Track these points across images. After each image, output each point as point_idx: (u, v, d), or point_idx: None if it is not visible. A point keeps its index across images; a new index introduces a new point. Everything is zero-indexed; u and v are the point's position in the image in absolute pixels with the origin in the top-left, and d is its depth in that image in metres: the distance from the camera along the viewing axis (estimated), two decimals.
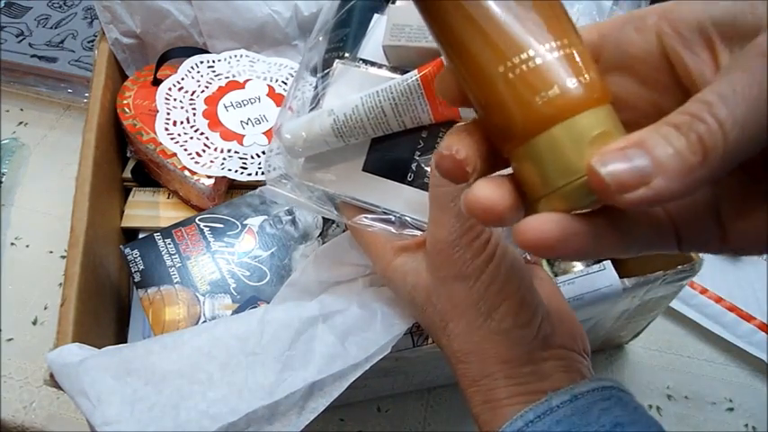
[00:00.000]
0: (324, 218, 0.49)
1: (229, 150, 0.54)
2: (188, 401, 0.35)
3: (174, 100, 0.56)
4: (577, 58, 0.23)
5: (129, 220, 0.55)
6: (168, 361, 0.36)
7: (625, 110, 0.24)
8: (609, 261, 0.45)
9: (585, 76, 0.22)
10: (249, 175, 0.52)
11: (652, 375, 0.58)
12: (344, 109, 0.35)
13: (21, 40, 0.71)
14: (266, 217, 0.50)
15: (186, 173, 0.52)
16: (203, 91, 0.57)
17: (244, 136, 0.55)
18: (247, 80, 0.59)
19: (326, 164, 0.38)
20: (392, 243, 0.37)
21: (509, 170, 0.24)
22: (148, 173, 0.58)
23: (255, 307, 0.45)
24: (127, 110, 0.56)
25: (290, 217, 0.50)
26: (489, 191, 0.23)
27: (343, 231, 0.45)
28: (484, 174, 0.25)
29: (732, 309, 0.59)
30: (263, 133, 0.55)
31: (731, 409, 0.56)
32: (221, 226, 0.49)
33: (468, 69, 0.24)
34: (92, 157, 0.49)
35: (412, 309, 0.37)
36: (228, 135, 0.54)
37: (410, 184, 0.37)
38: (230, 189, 0.55)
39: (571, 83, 0.22)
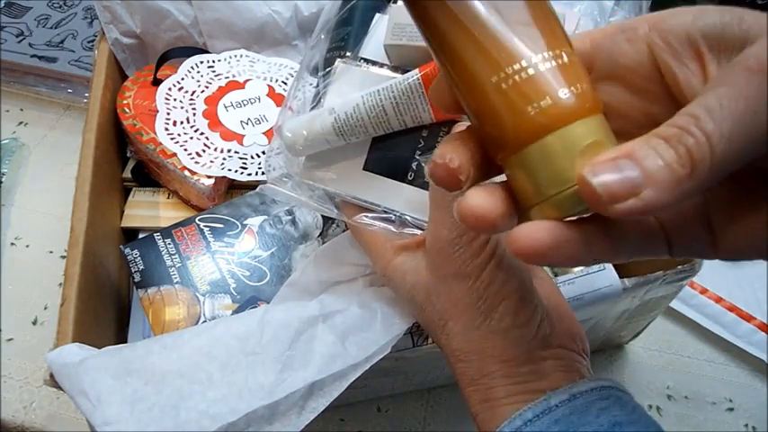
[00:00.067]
0: (324, 218, 0.49)
1: (229, 150, 0.54)
2: (188, 401, 0.35)
3: (174, 100, 0.56)
4: (569, 69, 0.23)
5: (129, 220, 0.55)
6: (168, 361, 0.36)
7: (617, 119, 0.25)
8: None
9: (577, 86, 0.23)
10: (249, 175, 0.52)
11: (652, 375, 0.58)
12: (345, 108, 0.35)
13: (21, 40, 0.71)
14: (266, 217, 0.50)
15: (186, 173, 0.52)
16: (203, 91, 0.57)
17: (244, 136, 0.55)
18: (247, 80, 0.59)
19: (327, 162, 0.38)
20: (392, 242, 0.37)
21: (503, 177, 0.25)
22: (148, 173, 0.58)
23: (255, 307, 0.45)
24: (127, 110, 0.56)
25: (290, 217, 0.50)
26: (481, 199, 0.23)
27: (343, 231, 0.45)
28: (478, 180, 0.25)
29: (732, 309, 0.59)
30: (263, 133, 0.55)
31: (731, 409, 0.56)
32: (221, 226, 0.49)
33: (461, 79, 0.24)
34: (92, 157, 0.49)
35: (411, 308, 0.37)
36: (228, 135, 0.54)
37: (411, 183, 0.37)
38: (230, 189, 0.55)
39: (563, 93, 0.22)
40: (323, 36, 0.44)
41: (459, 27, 0.23)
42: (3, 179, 0.65)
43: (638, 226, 0.24)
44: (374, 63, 0.39)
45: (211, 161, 0.53)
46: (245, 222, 0.50)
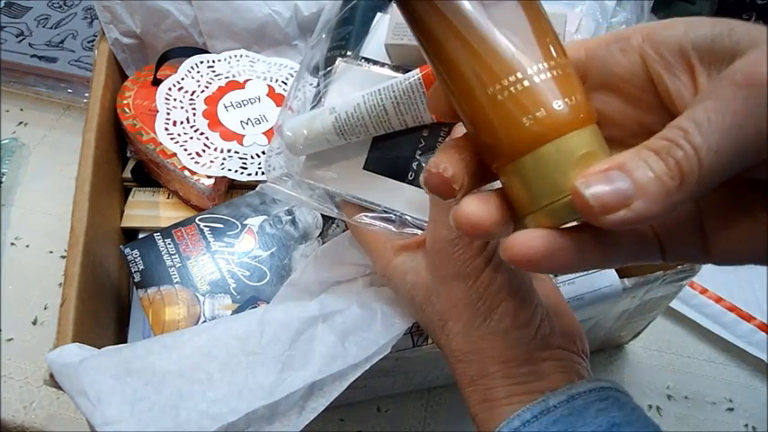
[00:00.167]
0: (324, 217, 0.49)
1: (229, 150, 0.54)
2: (188, 401, 0.35)
3: (174, 100, 0.56)
4: (564, 80, 0.23)
5: (129, 220, 0.55)
6: (168, 361, 0.36)
7: (611, 127, 0.25)
8: None
9: (572, 97, 0.23)
10: (249, 175, 0.52)
11: (652, 375, 0.58)
12: (346, 107, 0.35)
13: (21, 40, 0.71)
14: (266, 217, 0.50)
15: (186, 173, 0.52)
16: (203, 91, 0.57)
17: (244, 136, 0.55)
18: (247, 80, 0.59)
19: (327, 162, 0.38)
20: (392, 242, 0.37)
21: (499, 183, 0.25)
22: (148, 173, 0.58)
23: (255, 307, 0.45)
24: (127, 110, 0.56)
25: (289, 217, 0.50)
26: (476, 207, 0.24)
27: (343, 231, 0.45)
28: (473, 187, 0.26)
29: (732, 309, 0.59)
30: (263, 133, 0.55)
31: (731, 409, 0.56)
32: (221, 226, 0.49)
33: (457, 88, 0.24)
34: (92, 157, 0.49)
35: (411, 308, 0.37)
36: (228, 135, 0.54)
37: (411, 183, 0.37)
38: (230, 189, 0.55)
39: (558, 105, 0.23)
40: (324, 35, 0.44)
41: (455, 37, 0.24)
42: (3, 179, 0.65)
43: (632, 233, 0.25)
44: (375, 62, 0.39)
45: (211, 161, 0.53)
46: (245, 222, 0.50)
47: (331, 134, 0.36)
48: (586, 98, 0.24)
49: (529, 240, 0.22)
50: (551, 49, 0.24)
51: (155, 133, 0.54)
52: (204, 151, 0.53)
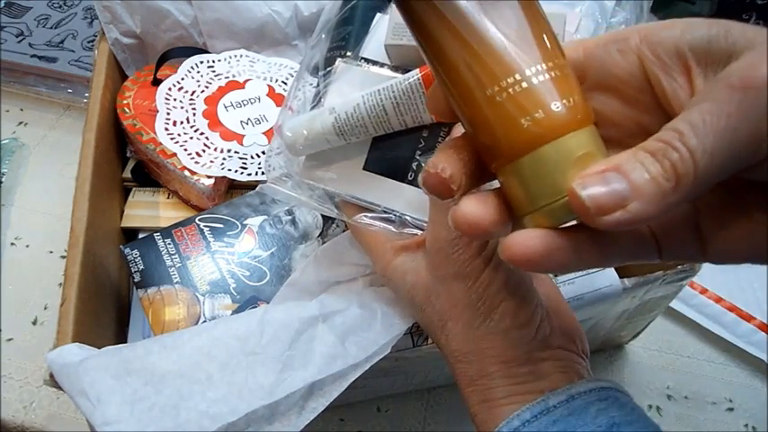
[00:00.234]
0: (324, 217, 0.49)
1: (229, 150, 0.54)
2: (188, 401, 0.35)
3: (174, 100, 0.56)
4: (562, 81, 0.24)
5: (129, 220, 0.55)
6: (168, 361, 0.36)
7: (609, 127, 0.26)
8: None
9: (570, 99, 0.23)
10: (249, 175, 0.52)
11: (652, 375, 0.58)
12: (346, 107, 0.35)
13: (21, 40, 0.71)
14: (266, 217, 0.50)
15: (186, 173, 0.52)
16: (203, 91, 0.57)
17: (244, 136, 0.55)
18: (247, 80, 0.59)
19: (327, 162, 0.38)
20: (392, 242, 0.37)
21: (497, 183, 0.25)
22: (148, 173, 0.58)
23: (255, 307, 0.45)
24: (127, 110, 0.56)
25: (289, 217, 0.50)
26: (474, 207, 0.24)
27: (343, 231, 0.45)
28: (472, 186, 0.26)
29: (732, 309, 0.59)
30: (263, 133, 0.55)
31: (731, 409, 0.56)
32: (221, 226, 0.49)
33: (456, 89, 0.25)
34: (92, 157, 0.49)
35: (411, 308, 0.37)
36: (228, 135, 0.54)
37: (411, 183, 0.37)
38: (230, 189, 0.55)
39: (556, 106, 0.23)
40: (323, 36, 0.44)
41: (454, 38, 0.24)
42: (3, 179, 0.65)
43: (629, 232, 0.25)
44: (375, 63, 0.39)
45: (211, 161, 0.53)
46: (245, 222, 0.50)
47: (331, 134, 0.36)
48: (584, 99, 0.24)
49: (527, 240, 0.23)
50: (549, 50, 0.24)
51: (155, 133, 0.54)
52: (204, 151, 0.53)
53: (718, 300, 0.60)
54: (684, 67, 0.23)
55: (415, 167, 0.37)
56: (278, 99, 0.58)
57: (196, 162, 0.52)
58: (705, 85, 0.23)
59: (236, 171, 0.52)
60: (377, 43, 0.43)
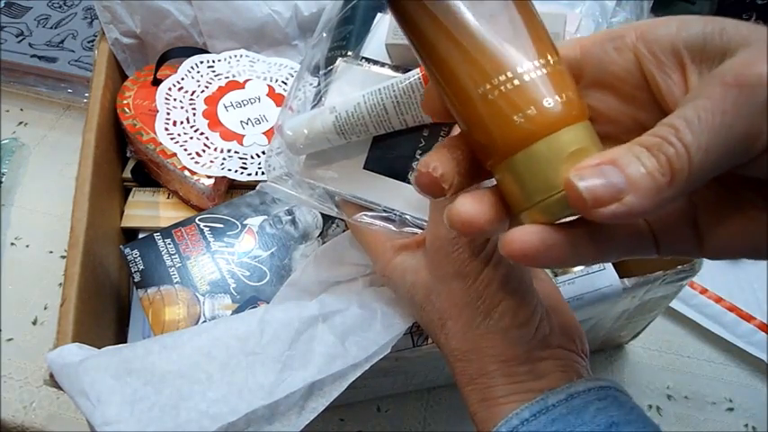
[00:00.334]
0: (324, 217, 0.49)
1: (229, 150, 0.54)
2: (188, 401, 0.35)
3: (174, 100, 0.56)
4: (555, 77, 0.24)
5: (129, 220, 0.55)
6: (168, 361, 0.36)
7: (606, 124, 0.26)
8: None
9: (563, 94, 0.23)
10: (249, 175, 0.52)
11: (652, 375, 0.58)
12: (346, 106, 0.35)
13: (21, 40, 0.71)
14: (266, 217, 0.50)
15: (186, 173, 0.52)
16: (203, 91, 0.57)
17: (244, 136, 0.55)
18: (247, 80, 0.59)
19: (328, 161, 0.38)
20: (392, 241, 0.37)
21: (493, 181, 0.26)
22: (148, 173, 0.58)
23: (255, 307, 0.45)
24: (127, 110, 0.56)
25: (290, 217, 0.50)
26: (469, 205, 0.24)
27: (343, 231, 0.45)
28: (467, 185, 0.26)
29: (732, 309, 0.59)
30: (263, 133, 0.55)
31: (731, 409, 0.56)
32: (221, 226, 0.49)
33: (449, 88, 0.25)
34: (92, 157, 0.49)
35: (411, 307, 0.37)
36: (228, 135, 0.54)
37: (411, 182, 0.37)
38: (230, 189, 0.55)
39: (548, 102, 0.23)
40: (324, 35, 0.44)
41: (445, 37, 0.24)
42: (3, 179, 0.65)
43: (626, 227, 0.25)
44: (375, 62, 0.39)
45: (211, 161, 0.53)
46: (245, 222, 0.50)
47: (331, 133, 0.36)
48: (578, 95, 0.24)
49: (524, 236, 0.23)
50: (542, 46, 0.24)
51: (155, 133, 0.54)
52: (204, 151, 0.53)
53: (719, 300, 0.60)
54: (680, 64, 0.23)
55: (415, 167, 0.37)
56: (278, 99, 0.58)
57: (196, 162, 0.52)
58: (700, 81, 0.23)
59: (236, 171, 0.52)
60: (378, 43, 0.43)
